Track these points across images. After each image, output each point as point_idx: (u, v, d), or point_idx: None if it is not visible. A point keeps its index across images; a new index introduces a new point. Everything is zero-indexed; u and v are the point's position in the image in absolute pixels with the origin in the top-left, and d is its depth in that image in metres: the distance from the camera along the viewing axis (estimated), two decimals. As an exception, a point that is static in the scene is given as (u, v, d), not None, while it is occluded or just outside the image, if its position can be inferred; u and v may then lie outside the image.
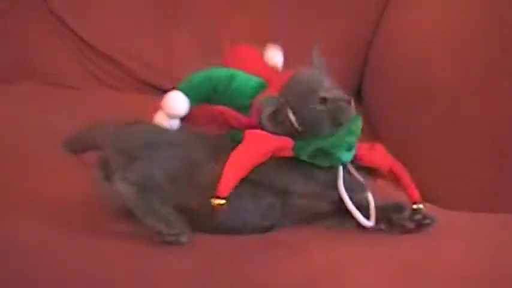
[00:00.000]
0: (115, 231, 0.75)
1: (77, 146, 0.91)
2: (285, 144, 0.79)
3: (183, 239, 0.71)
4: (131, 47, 1.41)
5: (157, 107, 0.87)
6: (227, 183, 0.73)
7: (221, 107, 0.84)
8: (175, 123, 0.86)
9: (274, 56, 0.96)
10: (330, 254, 0.73)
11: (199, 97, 0.87)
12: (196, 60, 1.35)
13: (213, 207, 0.72)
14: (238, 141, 0.77)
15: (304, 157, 0.77)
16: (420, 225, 0.77)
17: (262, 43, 1.00)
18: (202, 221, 0.73)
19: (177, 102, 0.86)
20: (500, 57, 0.99)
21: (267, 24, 1.42)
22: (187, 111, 0.86)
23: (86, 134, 0.91)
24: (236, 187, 0.72)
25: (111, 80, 1.40)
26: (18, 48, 1.42)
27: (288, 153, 0.78)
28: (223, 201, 0.72)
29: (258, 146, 0.78)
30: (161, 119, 0.86)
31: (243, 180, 0.73)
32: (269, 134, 0.80)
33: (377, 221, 0.76)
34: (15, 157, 0.97)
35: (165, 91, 1.23)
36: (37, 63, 1.40)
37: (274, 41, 1.09)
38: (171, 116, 0.86)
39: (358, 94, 1.43)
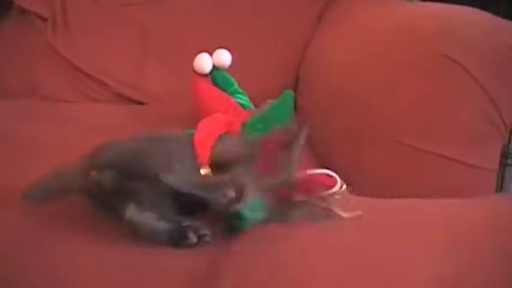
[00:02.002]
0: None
1: (43, 194, 0.80)
2: (234, 122, 0.95)
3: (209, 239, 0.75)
4: (111, 70, 1.54)
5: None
6: (203, 154, 0.83)
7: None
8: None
9: (224, 56, 1.19)
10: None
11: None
12: (162, 78, 1.54)
13: (204, 176, 0.80)
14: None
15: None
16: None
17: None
18: None
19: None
20: (393, 75, 1.08)
21: (218, 45, 1.46)
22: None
23: (53, 180, 0.81)
24: None
25: (94, 94, 1.54)
26: (22, 71, 1.55)
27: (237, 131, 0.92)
28: (207, 171, 0.81)
29: (215, 122, 0.92)
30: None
31: None
32: (221, 116, 0.96)
33: None
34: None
35: (136, 101, 1.44)
36: (37, 82, 1.54)
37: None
38: None
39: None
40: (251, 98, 1.19)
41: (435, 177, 1.01)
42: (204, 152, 0.83)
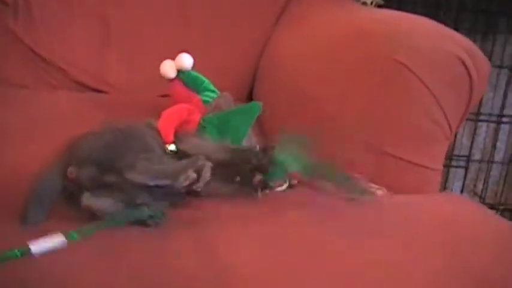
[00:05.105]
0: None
1: (40, 213, 0.78)
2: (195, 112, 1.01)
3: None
4: (72, 58, 1.54)
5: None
6: (167, 133, 0.91)
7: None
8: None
9: (184, 60, 1.24)
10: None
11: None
12: (122, 68, 1.55)
13: (169, 152, 0.89)
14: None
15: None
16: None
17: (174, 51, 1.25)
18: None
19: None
20: (347, 79, 1.11)
21: (179, 39, 1.58)
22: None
23: (38, 193, 0.79)
24: None
25: (55, 81, 1.54)
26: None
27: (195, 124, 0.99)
28: (173, 146, 0.90)
29: (177, 109, 1.00)
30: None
31: None
32: (184, 105, 1.03)
33: None
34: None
35: (96, 90, 1.46)
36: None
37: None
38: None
39: (250, 96, 1.59)
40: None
41: (385, 175, 1.04)
42: (168, 132, 0.91)
